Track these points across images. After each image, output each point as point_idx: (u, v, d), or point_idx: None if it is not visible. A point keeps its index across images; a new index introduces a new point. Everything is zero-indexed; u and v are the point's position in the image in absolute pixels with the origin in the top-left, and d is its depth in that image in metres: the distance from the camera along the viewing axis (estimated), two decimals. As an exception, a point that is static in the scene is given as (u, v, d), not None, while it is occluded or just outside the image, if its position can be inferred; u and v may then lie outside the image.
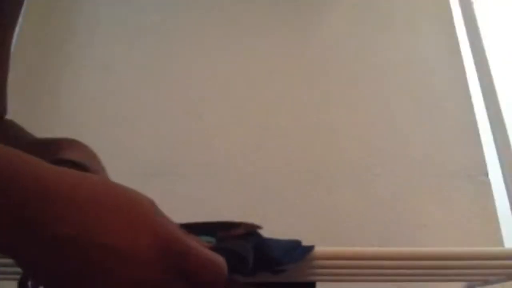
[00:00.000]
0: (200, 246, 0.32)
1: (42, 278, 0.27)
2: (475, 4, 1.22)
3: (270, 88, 1.28)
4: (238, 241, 0.41)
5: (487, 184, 1.10)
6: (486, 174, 1.12)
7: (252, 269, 0.44)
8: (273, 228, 1.10)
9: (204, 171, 1.16)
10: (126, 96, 1.28)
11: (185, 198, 1.12)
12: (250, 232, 0.47)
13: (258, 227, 0.47)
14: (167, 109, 1.25)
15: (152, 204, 0.32)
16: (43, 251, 0.26)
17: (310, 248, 0.49)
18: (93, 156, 0.52)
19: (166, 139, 1.21)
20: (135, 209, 0.30)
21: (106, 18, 1.41)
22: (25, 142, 0.52)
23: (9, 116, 0.61)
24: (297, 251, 0.49)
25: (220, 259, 0.32)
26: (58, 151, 0.46)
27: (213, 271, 0.31)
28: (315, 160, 1.17)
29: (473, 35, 1.16)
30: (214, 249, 0.34)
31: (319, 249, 0.50)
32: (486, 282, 0.69)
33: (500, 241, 1.03)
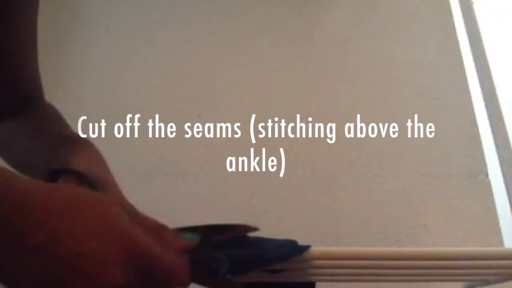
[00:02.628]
0: (168, 249, 0.34)
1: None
2: (475, 4, 1.22)
3: (270, 88, 1.28)
4: (214, 252, 0.42)
5: (487, 184, 1.10)
6: (486, 174, 1.11)
7: (242, 269, 0.44)
8: (273, 229, 1.09)
9: (204, 171, 1.16)
10: (126, 96, 1.28)
11: (185, 198, 1.12)
12: (240, 236, 0.47)
13: (255, 229, 0.48)
14: (167, 109, 1.25)
15: (120, 209, 0.34)
16: (20, 260, 0.28)
17: (305, 248, 0.49)
18: (102, 163, 0.53)
19: (166, 139, 1.21)
20: (101, 215, 0.31)
21: (106, 18, 1.41)
22: (50, 135, 0.54)
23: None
24: (290, 248, 0.49)
25: (181, 264, 0.34)
26: (69, 157, 0.47)
27: (173, 275, 0.33)
28: (315, 160, 1.17)
29: (473, 35, 1.16)
30: (192, 251, 0.35)
31: (318, 249, 0.50)
32: (486, 282, 0.69)
33: (500, 241, 1.03)
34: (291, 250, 0.49)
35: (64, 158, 0.47)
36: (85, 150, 0.51)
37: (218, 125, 1.23)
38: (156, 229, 0.36)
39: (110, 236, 0.30)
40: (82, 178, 0.44)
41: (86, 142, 0.53)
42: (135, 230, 0.33)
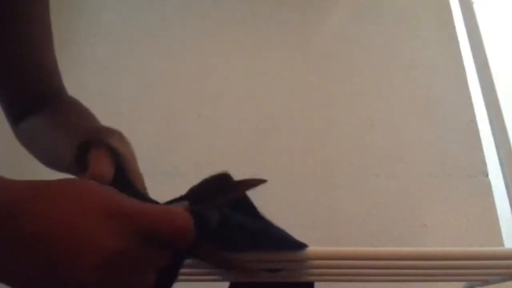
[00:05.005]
0: (166, 208, 0.34)
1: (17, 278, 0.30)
2: (475, 4, 1.22)
3: (270, 88, 1.28)
4: (210, 207, 0.41)
5: (487, 184, 1.10)
6: (486, 174, 1.11)
7: (235, 243, 0.44)
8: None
9: (204, 171, 1.15)
10: (126, 96, 1.28)
11: (185, 198, 1.11)
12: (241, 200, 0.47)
13: (262, 181, 0.48)
14: (167, 109, 1.25)
15: (110, 188, 0.34)
16: (17, 248, 0.29)
17: (302, 245, 0.49)
18: (132, 152, 0.55)
19: (165, 139, 1.21)
20: (88, 197, 0.32)
21: (106, 18, 1.41)
22: (75, 129, 0.54)
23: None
24: (289, 239, 0.49)
25: (181, 214, 0.34)
26: (109, 137, 0.49)
27: (174, 225, 0.33)
28: (315, 160, 1.17)
29: (473, 35, 1.16)
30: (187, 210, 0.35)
31: (317, 249, 0.50)
32: (486, 282, 0.69)
33: (500, 241, 1.03)
34: (291, 242, 0.49)
35: (103, 137, 0.48)
36: (114, 138, 0.50)
37: (218, 125, 1.23)
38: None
39: (99, 214, 0.31)
40: (111, 150, 0.45)
41: (115, 131, 0.53)
42: (125, 202, 0.33)
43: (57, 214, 0.30)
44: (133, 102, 1.27)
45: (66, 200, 0.31)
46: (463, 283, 0.83)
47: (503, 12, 1.34)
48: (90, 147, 0.45)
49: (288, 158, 1.17)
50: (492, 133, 1.03)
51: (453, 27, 1.31)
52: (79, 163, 0.45)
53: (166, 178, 1.14)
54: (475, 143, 1.15)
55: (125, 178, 0.45)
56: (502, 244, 1.02)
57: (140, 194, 0.45)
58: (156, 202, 0.42)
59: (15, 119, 0.59)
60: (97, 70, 1.32)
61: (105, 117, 1.34)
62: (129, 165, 0.48)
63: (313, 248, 0.50)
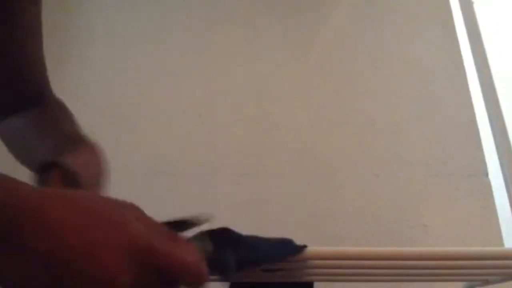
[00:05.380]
0: (179, 247, 0.33)
1: None
2: (475, 4, 1.22)
3: (270, 88, 1.28)
4: (221, 251, 0.42)
5: (487, 184, 1.10)
6: (486, 174, 1.11)
7: (235, 267, 0.44)
8: (273, 228, 1.09)
9: (204, 171, 1.16)
10: (126, 95, 1.28)
11: (185, 198, 1.12)
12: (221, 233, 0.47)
13: (205, 221, 0.47)
14: (167, 109, 1.25)
15: (131, 215, 0.32)
16: (12, 261, 0.26)
17: (301, 247, 0.49)
18: (98, 168, 0.52)
19: (166, 139, 1.21)
20: (116, 229, 0.30)
21: (106, 18, 1.41)
22: (53, 133, 0.55)
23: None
24: (287, 248, 0.49)
25: (195, 261, 0.33)
26: (65, 154, 0.48)
27: (186, 271, 0.32)
28: (315, 160, 1.17)
29: (473, 35, 1.16)
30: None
31: (317, 248, 0.50)
32: (486, 282, 0.69)
33: (500, 241, 1.03)
34: (288, 250, 0.49)
35: (59, 155, 0.47)
36: (84, 150, 0.50)
37: (218, 125, 1.23)
38: (164, 230, 0.35)
39: (115, 236, 0.29)
40: (67, 174, 0.44)
41: (87, 143, 0.54)
42: (142, 230, 0.32)
43: (71, 233, 0.27)
44: (133, 102, 1.27)
45: (87, 220, 0.28)
46: (463, 283, 0.83)
47: (503, 12, 1.34)
48: (53, 166, 0.44)
49: (288, 158, 1.17)
50: (492, 133, 1.03)
51: (453, 27, 1.31)
52: (41, 183, 0.44)
53: (166, 178, 1.14)
54: (475, 143, 1.15)
55: None
56: (502, 244, 1.02)
57: None
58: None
59: None
60: (97, 70, 1.32)
61: (105, 117, 1.34)
62: (84, 186, 0.46)
63: (313, 248, 0.50)
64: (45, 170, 0.44)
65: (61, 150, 0.49)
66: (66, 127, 0.59)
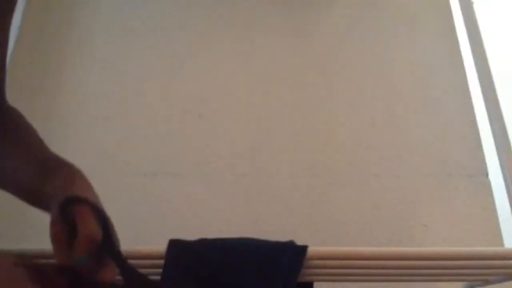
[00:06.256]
0: None
1: None
2: (475, 4, 1.22)
3: (269, 88, 1.28)
4: None
5: (487, 184, 1.10)
6: (486, 174, 1.11)
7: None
8: (272, 228, 1.10)
9: (204, 171, 1.16)
10: (126, 95, 1.28)
11: (185, 198, 1.12)
12: None
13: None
14: (167, 109, 1.25)
15: None
16: None
17: (301, 254, 0.49)
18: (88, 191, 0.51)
19: (166, 139, 1.21)
20: None
21: (106, 17, 1.41)
22: (43, 158, 0.52)
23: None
24: (286, 255, 0.49)
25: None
26: (69, 184, 0.47)
27: None
28: (315, 160, 1.17)
29: (473, 35, 1.16)
30: None
31: (317, 249, 0.50)
32: (486, 282, 0.69)
33: (500, 241, 1.03)
34: (291, 260, 0.48)
35: (64, 185, 0.46)
36: (73, 177, 0.49)
37: (218, 125, 1.22)
38: None
39: None
40: (97, 211, 0.44)
41: (72, 170, 0.52)
42: None
43: None
44: (133, 102, 1.26)
45: None
46: (463, 283, 0.83)
47: (503, 12, 1.34)
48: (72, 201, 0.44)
49: (289, 158, 1.17)
50: (492, 133, 1.03)
51: (453, 27, 1.31)
52: (61, 215, 0.43)
53: (166, 178, 1.14)
54: (475, 143, 1.15)
55: (110, 241, 0.44)
56: (502, 244, 1.02)
57: (122, 261, 0.45)
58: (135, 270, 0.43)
59: None
60: (97, 70, 1.32)
61: (105, 117, 1.34)
62: (112, 227, 0.46)
63: (313, 248, 0.50)
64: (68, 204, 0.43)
65: (47, 175, 0.48)
66: (41, 147, 0.56)
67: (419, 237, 1.05)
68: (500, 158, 0.99)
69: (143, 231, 1.05)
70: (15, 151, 0.53)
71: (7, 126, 0.55)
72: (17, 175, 0.51)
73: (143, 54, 1.34)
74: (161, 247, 0.61)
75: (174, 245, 0.57)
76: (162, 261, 0.58)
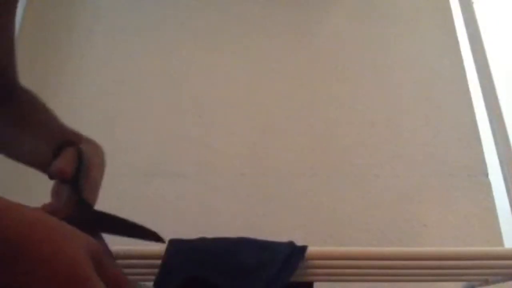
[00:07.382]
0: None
1: None
2: (475, 4, 1.22)
3: (270, 88, 1.28)
4: None
5: (487, 184, 1.10)
6: (486, 174, 1.11)
7: None
8: (272, 228, 1.09)
9: (204, 171, 1.16)
10: (126, 95, 1.28)
11: (185, 198, 1.12)
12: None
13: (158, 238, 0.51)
14: (167, 109, 1.25)
15: (86, 255, 0.33)
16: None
17: (301, 254, 0.49)
18: (102, 159, 0.56)
19: (166, 139, 1.21)
20: (65, 258, 0.32)
21: (106, 17, 1.41)
22: (59, 130, 0.56)
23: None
24: (289, 258, 0.49)
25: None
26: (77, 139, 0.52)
27: None
28: (315, 160, 1.17)
29: (473, 35, 1.16)
30: None
31: (317, 249, 0.50)
32: (486, 282, 0.69)
33: (500, 241, 1.03)
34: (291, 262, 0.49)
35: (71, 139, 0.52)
36: (87, 141, 0.55)
37: (218, 125, 1.22)
38: (116, 281, 0.36)
39: (76, 241, 0.32)
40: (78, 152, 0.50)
41: (85, 137, 0.56)
42: (92, 279, 0.32)
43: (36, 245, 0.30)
44: (133, 102, 1.26)
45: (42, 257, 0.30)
46: (463, 283, 0.83)
47: (503, 12, 1.34)
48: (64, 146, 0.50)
49: (288, 158, 1.17)
50: (492, 133, 1.03)
51: (453, 27, 1.31)
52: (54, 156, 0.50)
53: (166, 178, 1.14)
54: (475, 143, 1.15)
55: (77, 178, 0.49)
56: (502, 244, 1.02)
57: (83, 199, 0.49)
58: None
59: None
60: (97, 69, 1.32)
61: (105, 117, 1.34)
62: (90, 168, 0.51)
63: (313, 248, 0.50)
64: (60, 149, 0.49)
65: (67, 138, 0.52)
66: (57, 121, 0.59)
67: (419, 237, 1.05)
68: (500, 158, 0.99)
69: (143, 231, 1.05)
70: (34, 132, 0.56)
71: (23, 107, 0.58)
72: (37, 156, 0.54)
73: (143, 54, 1.34)
74: (161, 247, 0.61)
75: (174, 243, 0.57)
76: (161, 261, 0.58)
